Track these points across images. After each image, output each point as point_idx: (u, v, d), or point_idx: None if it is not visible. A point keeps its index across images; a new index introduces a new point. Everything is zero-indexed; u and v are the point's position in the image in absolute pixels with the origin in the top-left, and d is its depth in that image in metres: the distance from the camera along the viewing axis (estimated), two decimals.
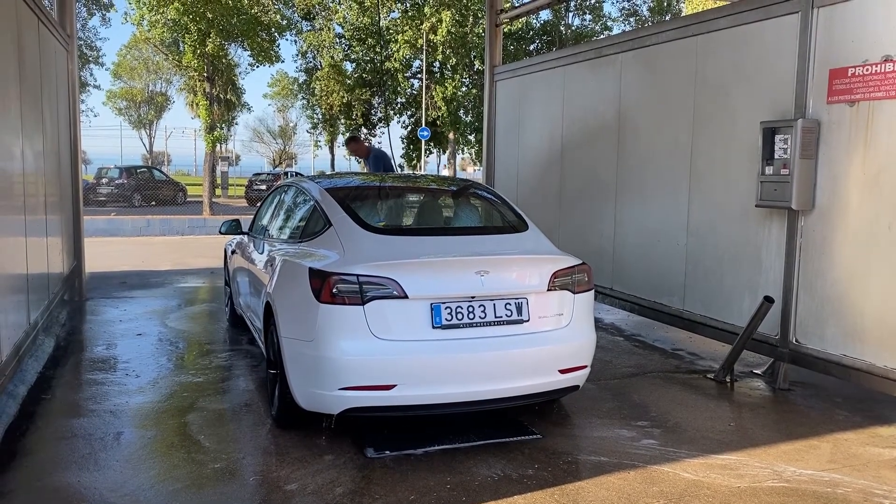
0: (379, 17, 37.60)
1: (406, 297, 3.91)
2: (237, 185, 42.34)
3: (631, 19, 44.23)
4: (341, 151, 45.68)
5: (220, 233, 6.54)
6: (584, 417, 4.75)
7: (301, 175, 22.18)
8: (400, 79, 38.34)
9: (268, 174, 36.61)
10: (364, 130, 43.07)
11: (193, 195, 31.50)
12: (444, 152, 45.71)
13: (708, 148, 5.98)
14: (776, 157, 5.09)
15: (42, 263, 6.17)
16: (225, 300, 7.59)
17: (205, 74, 22.59)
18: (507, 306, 4.08)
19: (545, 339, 4.18)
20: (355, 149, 9.36)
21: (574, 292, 4.33)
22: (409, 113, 41.59)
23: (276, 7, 23.83)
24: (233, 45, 23.58)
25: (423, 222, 5.10)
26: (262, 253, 5.42)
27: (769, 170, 5.15)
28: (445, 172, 46.84)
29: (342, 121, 42.16)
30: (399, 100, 41.10)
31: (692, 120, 6.12)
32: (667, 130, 6.43)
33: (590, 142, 7.54)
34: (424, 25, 36.19)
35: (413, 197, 5.43)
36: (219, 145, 26.38)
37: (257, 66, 24.04)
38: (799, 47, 5.06)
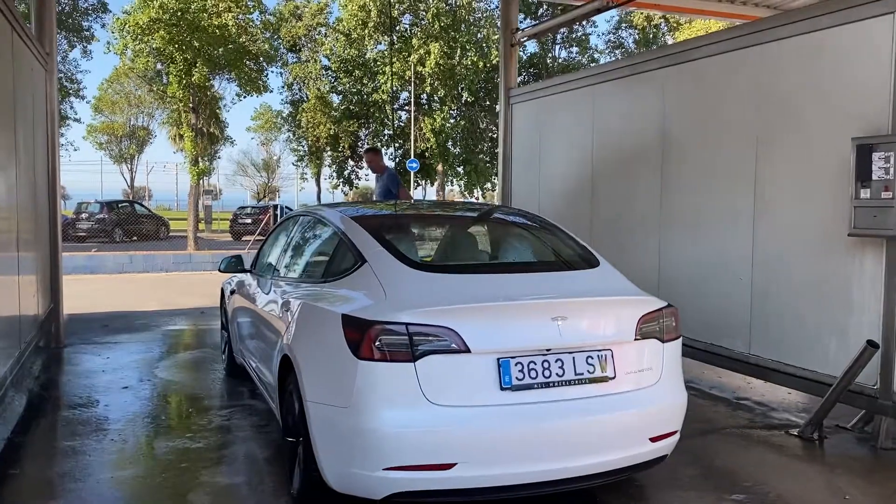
0: (366, 49, 37.31)
1: (467, 350, 3.14)
2: (221, 219, 41.42)
3: (617, 52, 44.27)
4: (327, 184, 44.86)
5: (220, 271, 5.73)
6: (665, 490, 3.96)
7: (290, 209, 21.25)
8: (388, 110, 37.82)
9: (253, 208, 35.74)
10: (350, 163, 42.50)
11: (176, 230, 30.57)
12: (433, 184, 45.19)
13: (775, 170, 5.29)
14: (874, 177, 4.40)
15: (13, 306, 5.33)
16: (222, 346, 6.75)
17: (190, 105, 21.84)
18: (589, 360, 3.32)
19: (634, 401, 3.40)
20: (373, 160, 8.70)
21: (663, 341, 3.57)
22: (396, 145, 41.04)
23: (265, 36, 23.15)
24: (218, 76, 22.92)
25: (473, 256, 4.32)
26: (271, 294, 4.62)
27: (865, 193, 4.46)
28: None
29: (328, 153, 41.52)
30: (386, 131, 40.61)
31: (754, 140, 5.43)
32: (723, 152, 5.75)
33: (626, 168, 6.85)
34: (412, 57, 35.79)
35: (455, 226, 4.66)
36: (202, 179, 25.54)
37: (244, 97, 23.25)
38: (895, 53, 4.40)
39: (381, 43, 37.76)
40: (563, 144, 7.76)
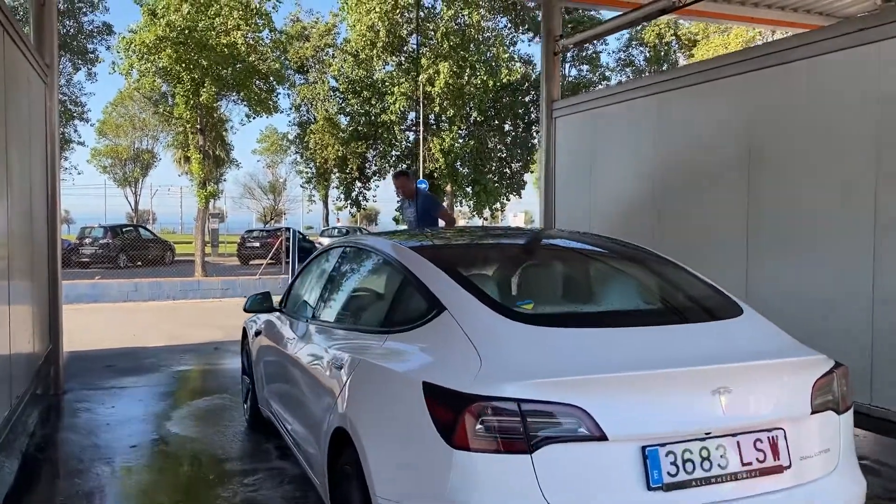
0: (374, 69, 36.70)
1: (603, 437, 2.31)
2: (227, 243, 40.68)
3: (627, 69, 43.70)
4: (334, 206, 44.15)
5: (245, 310, 4.89)
6: None
7: (301, 234, 20.28)
8: (396, 131, 37.19)
9: (261, 231, 34.99)
10: (358, 184, 41.82)
11: (182, 253, 29.76)
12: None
13: None
14: None
15: (1, 351, 4.51)
16: (242, 393, 5.91)
17: (197, 126, 21.14)
18: (759, 445, 2.48)
19: (812, 496, 2.56)
20: (404, 185, 7.66)
21: (839, 412, 2.73)
22: (404, 165, 40.35)
23: (275, 55, 22.48)
24: (224, 98, 22.25)
25: (584, 301, 3.43)
26: (313, 342, 3.79)
27: None
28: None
29: (336, 174, 40.85)
30: (394, 152, 39.95)
31: (874, 152, 4.62)
32: (831, 168, 4.93)
33: (699, 186, 6.04)
34: (421, 77, 35.20)
35: (548, 259, 3.83)
36: (210, 202, 24.79)
37: (253, 118, 22.54)
38: None
39: (389, 63, 37.21)
40: (620, 160, 6.96)
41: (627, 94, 6.91)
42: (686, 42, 43.12)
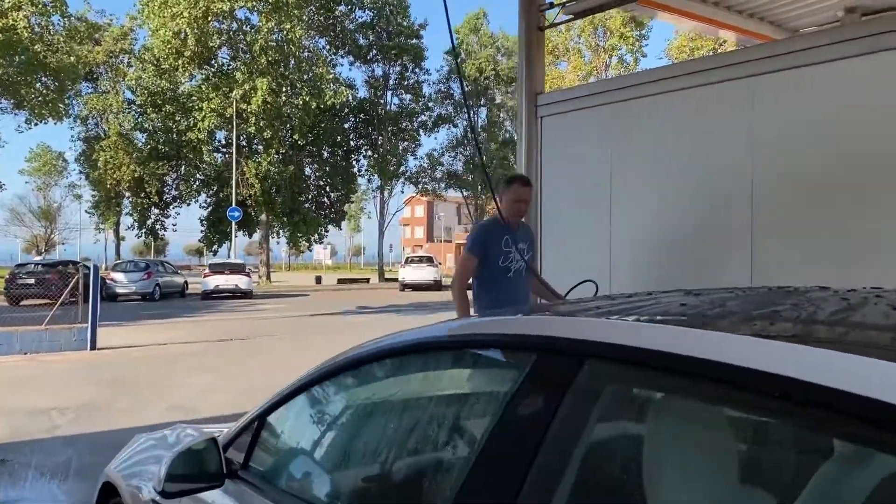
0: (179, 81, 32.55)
1: None
2: None
3: (447, 101, 43.16)
4: (130, 234, 38.74)
5: (166, 495, 2.06)
6: None
7: (80, 264, 15.67)
8: (204, 152, 33.28)
9: (36, 264, 29.16)
10: (155, 211, 37.03)
11: None
12: (251, 235, 40.74)
13: None
14: None
15: None
16: None
17: None
18: None
19: None
20: (526, 196, 4.16)
21: None
22: (210, 191, 36.37)
23: (69, 46, 18.35)
24: None
25: None
26: None
27: None
28: (253, 258, 41.67)
29: (130, 199, 35.82)
30: (200, 175, 35.85)
31: None
32: None
33: (823, 203, 4.12)
34: (235, 92, 31.79)
35: None
36: None
37: (36, 124, 18.17)
38: None
39: (196, 76, 33.35)
40: (651, 168, 4.92)
41: (677, 80, 4.90)
42: (504, 78, 43.47)
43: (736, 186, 4.60)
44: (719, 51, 27.76)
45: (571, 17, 6.00)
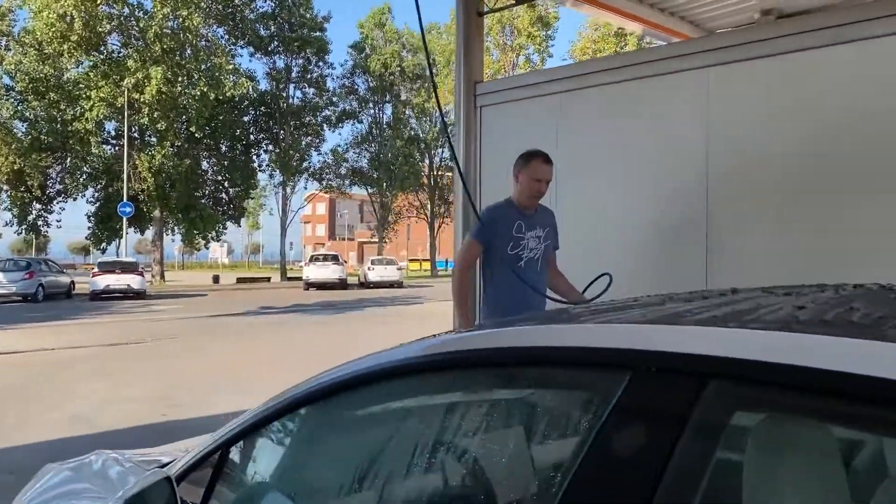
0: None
1: None
2: None
3: (352, 96, 42.47)
4: (9, 231, 35.96)
5: None
6: None
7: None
8: (92, 143, 31.26)
9: None
10: (38, 206, 34.52)
11: None
12: (143, 233, 38.68)
13: None
14: None
15: None
16: None
17: None
18: None
19: None
20: (546, 176, 3.62)
21: None
22: (99, 185, 34.25)
23: None
24: None
25: None
26: None
27: None
28: (138, 256, 39.62)
29: (9, 193, 33.21)
30: (86, 169, 33.66)
31: None
32: None
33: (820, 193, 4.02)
34: (127, 81, 30.03)
35: None
36: None
37: None
38: None
39: (84, 62, 31.32)
40: (600, 162, 4.72)
41: (628, 69, 4.71)
42: (410, 76, 43.20)
43: (691, 181, 4.45)
44: (620, 52, 28.51)
45: (513, 2, 5.74)
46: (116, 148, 33.26)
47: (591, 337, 1.13)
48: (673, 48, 5.19)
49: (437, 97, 5.39)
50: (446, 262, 55.68)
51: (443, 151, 44.65)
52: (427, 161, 44.56)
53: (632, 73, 4.71)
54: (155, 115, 31.21)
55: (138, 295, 24.29)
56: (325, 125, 39.76)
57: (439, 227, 45.62)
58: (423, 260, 52.70)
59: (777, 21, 6.83)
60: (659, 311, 1.27)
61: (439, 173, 45.01)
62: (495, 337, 1.29)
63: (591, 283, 3.61)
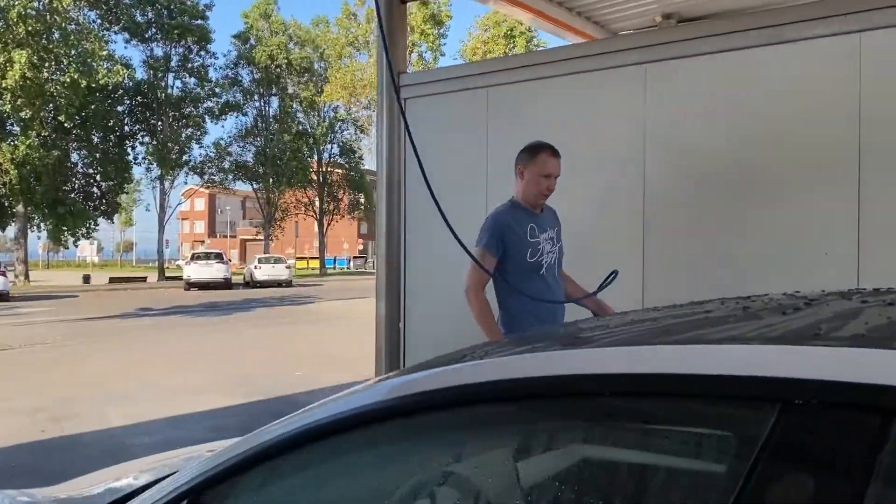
0: None
1: None
2: None
3: (235, 88, 40.90)
4: None
5: None
6: None
7: None
8: None
9: None
10: None
11: None
12: (3, 230, 35.67)
13: None
14: None
15: None
16: None
17: None
18: None
19: None
20: (555, 170, 3.18)
21: None
22: None
23: None
24: None
25: None
26: None
27: None
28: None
29: None
30: None
31: None
32: None
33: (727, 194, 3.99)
34: None
35: None
36: None
37: None
38: None
39: None
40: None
41: (562, 64, 4.55)
42: (297, 69, 42.10)
43: (627, 180, 4.34)
44: (509, 54, 28.86)
45: None
46: None
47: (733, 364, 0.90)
48: (608, 43, 5.09)
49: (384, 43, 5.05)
50: (335, 259, 54.78)
51: (332, 147, 43.84)
52: (316, 157, 43.51)
53: (564, 67, 4.57)
54: (19, 103, 28.79)
55: (1, 297, 22.35)
56: (206, 117, 38.08)
57: (328, 224, 44.69)
58: (312, 258, 51.60)
59: (677, 25, 6.94)
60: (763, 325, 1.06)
61: (329, 169, 44.12)
62: (598, 359, 1.04)
63: (603, 282, 3.24)
